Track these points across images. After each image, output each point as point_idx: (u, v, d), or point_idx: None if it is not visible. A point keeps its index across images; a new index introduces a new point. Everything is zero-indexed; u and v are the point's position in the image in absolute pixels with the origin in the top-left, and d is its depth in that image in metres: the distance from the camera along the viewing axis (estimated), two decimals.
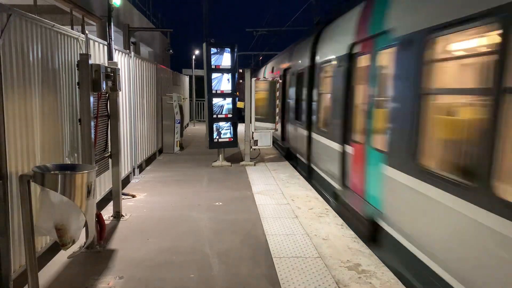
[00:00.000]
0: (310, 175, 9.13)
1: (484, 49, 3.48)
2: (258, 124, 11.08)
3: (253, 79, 10.94)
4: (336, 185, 6.90)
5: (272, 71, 15.21)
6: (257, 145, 10.73)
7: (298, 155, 10.47)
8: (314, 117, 8.74)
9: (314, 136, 8.68)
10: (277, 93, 11.27)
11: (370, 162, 5.48)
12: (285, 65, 12.51)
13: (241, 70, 16.83)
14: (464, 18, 3.37)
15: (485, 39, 3.35)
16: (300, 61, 10.36)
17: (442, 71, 3.98)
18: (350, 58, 6.44)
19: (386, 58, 5.13)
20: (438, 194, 3.67)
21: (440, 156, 3.99)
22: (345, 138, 6.56)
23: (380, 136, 5.16)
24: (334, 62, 7.29)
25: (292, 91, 11.01)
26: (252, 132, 10.61)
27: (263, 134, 10.80)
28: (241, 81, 18.01)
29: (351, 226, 5.83)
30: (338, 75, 6.91)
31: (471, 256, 3.26)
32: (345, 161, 6.56)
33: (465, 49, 3.83)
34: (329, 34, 8.20)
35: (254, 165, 10.40)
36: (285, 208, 6.65)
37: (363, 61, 6.05)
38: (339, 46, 7.05)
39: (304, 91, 9.43)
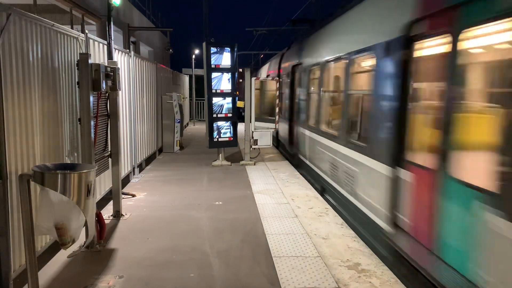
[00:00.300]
0: (278, 145, 13.84)
1: (316, 76, 8.62)
2: (258, 123, 11.16)
3: (253, 78, 10.95)
4: (287, 145, 11.95)
5: (260, 76, 20.70)
6: (257, 144, 10.73)
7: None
8: (280, 109, 13.02)
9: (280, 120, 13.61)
10: (277, 93, 11.29)
11: (298, 128, 10.45)
12: (266, 74, 17.33)
13: (241, 70, 16.83)
14: (316, 63, 8.60)
15: (318, 73, 8.42)
16: (273, 71, 15.56)
17: (314, 83, 8.95)
18: (292, 73, 11.35)
19: (303, 75, 9.99)
20: (311, 134, 8.85)
21: (312, 119, 8.97)
22: (291, 119, 11.48)
23: (299, 115, 10.40)
24: (286, 75, 12.17)
25: None
26: (252, 132, 10.62)
27: (263, 133, 10.80)
28: (241, 80, 18.03)
29: (287, 159, 11.43)
30: (288, 83, 11.78)
31: (314, 153, 8.52)
32: (291, 132, 11.41)
33: (317, 74, 8.60)
34: (286, 56, 13.23)
35: (254, 164, 10.40)
36: (285, 208, 6.66)
37: (296, 75, 10.93)
38: (288, 64, 12.07)
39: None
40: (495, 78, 3.35)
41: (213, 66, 10.01)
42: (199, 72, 24.02)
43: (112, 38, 6.17)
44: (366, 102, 5.69)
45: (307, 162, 9.24)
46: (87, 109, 4.90)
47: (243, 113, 11.43)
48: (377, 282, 4.11)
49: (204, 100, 10.92)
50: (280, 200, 7.10)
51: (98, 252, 4.83)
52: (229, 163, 10.41)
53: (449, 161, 3.55)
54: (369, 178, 5.37)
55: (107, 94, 5.71)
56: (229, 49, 10.17)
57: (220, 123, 10.29)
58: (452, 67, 3.61)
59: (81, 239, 4.44)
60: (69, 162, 5.14)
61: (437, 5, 3.87)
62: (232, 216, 6.23)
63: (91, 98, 4.96)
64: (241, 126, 10.72)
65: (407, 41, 4.43)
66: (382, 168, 4.86)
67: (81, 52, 5.45)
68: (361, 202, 5.61)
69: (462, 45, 3.48)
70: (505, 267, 2.86)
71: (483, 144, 3.30)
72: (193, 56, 26.50)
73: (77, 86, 5.15)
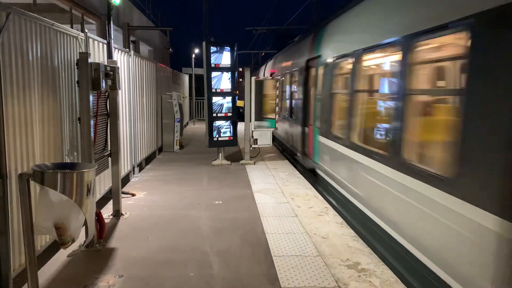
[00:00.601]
0: None
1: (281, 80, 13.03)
2: (258, 123, 11.17)
3: (253, 77, 10.95)
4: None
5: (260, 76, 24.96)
6: (257, 143, 10.73)
7: None
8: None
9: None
10: (277, 92, 11.30)
11: (282, 119, 13.07)
12: (258, 76, 20.58)
13: (240, 69, 16.84)
14: (280, 73, 14.43)
15: (281, 79, 13.31)
16: (261, 75, 20.09)
17: (280, 85, 12.19)
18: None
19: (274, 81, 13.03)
20: (285, 120, 12.74)
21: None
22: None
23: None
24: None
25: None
26: (252, 131, 10.61)
27: (263, 132, 10.80)
28: (240, 80, 18.04)
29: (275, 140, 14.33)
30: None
31: (279, 129, 12.88)
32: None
33: (282, 83, 13.17)
34: (268, 65, 19.15)
35: (254, 163, 10.40)
36: (285, 207, 6.66)
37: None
38: (269, 71, 17.25)
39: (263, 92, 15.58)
40: (321, 86, 8.17)
41: (213, 65, 10.00)
42: (199, 71, 23.97)
43: (112, 37, 6.16)
44: (296, 98, 10.88)
45: (277, 137, 14.34)
46: (87, 108, 4.90)
47: (241, 110, 11.49)
48: (376, 281, 4.11)
49: (204, 99, 10.91)
50: (280, 200, 7.10)
51: (98, 251, 4.83)
52: (229, 162, 10.41)
53: (315, 121, 8.57)
54: (295, 135, 10.83)
55: (107, 93, 5.71)
56: (229, 48, 10.16)
57: (220, 122, 10.29)
58: (315, 80, 8.65)
59: (81, 239, 4.44)
60: (68, 161, 5.13)
61: (312, 54, 9.10)
62: (232, 215, 6.23)
63: (91, 98, 4.95)
64: (241, 126, 10.72)
65: (306, 68, 9.63)
66: (300, 128, 10.11)
67: (80, 51, 5.45)
68: (293, 149, 11.26)
69: (318, 72, 8.43)
70: (324, 154, 7.78)
71: (320, 113, 8.18)
72: (193, 55, 26.46)
73: (76, 85, 5.15)
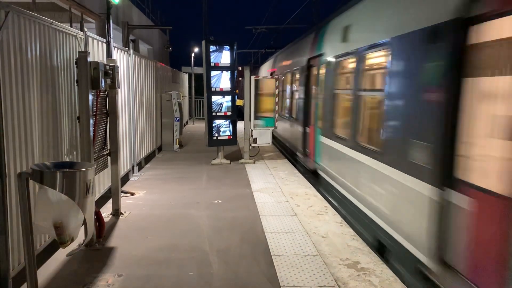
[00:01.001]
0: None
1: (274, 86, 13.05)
2: (256, 122, 11.20)
3: (253, 76, 10.93)
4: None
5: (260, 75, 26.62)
6: (256, 142, 10.73)
7: None
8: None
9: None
10: (276, 91, 11.30)
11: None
12: (256, 76, 22.48)
13: (240, 68, 16.83)
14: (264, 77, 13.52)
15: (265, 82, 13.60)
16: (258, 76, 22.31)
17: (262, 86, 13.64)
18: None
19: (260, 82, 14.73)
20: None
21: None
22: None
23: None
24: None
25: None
26: (252, 130, 10.61)
27: (262, 131, 10.80)
28: (240, 79, 18.05)
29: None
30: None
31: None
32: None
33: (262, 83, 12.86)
34: (257, 71, 25.56)
35: (254, 163, 10.40)
36: (284, 206, 6.66)
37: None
38: (262, 73, 21.89)
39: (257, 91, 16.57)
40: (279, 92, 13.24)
41: (212, 64, 9.99)
42: (199, 70, 23.96)
43: (111, 36, 6.15)
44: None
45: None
46: (86, 107, 4.89)
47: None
48: (376, 280, 4.11)
49: (203, 98, 10.89)
50: (279, 199, 7.10)
51: (97, 250, 4.83)
52: (228, 161, 10.41)
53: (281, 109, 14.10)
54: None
55: (106, 92, 5.70)
56: (228, 47, 10.15)
57: (219, 121, 10.28)
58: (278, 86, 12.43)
59: (80, 238, 4.43)
60: (68, 160, 5.13)
61: (272, 69, 17.41)
62: (231, 214, 6.23)
63: (90, 97, 4.95)
64: (240, 125, 10.71)
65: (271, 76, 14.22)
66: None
67: (80, 50, 5.44)
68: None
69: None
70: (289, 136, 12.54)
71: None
72: (193, 54, 26.41)
73: (76, 84, 5.14)
